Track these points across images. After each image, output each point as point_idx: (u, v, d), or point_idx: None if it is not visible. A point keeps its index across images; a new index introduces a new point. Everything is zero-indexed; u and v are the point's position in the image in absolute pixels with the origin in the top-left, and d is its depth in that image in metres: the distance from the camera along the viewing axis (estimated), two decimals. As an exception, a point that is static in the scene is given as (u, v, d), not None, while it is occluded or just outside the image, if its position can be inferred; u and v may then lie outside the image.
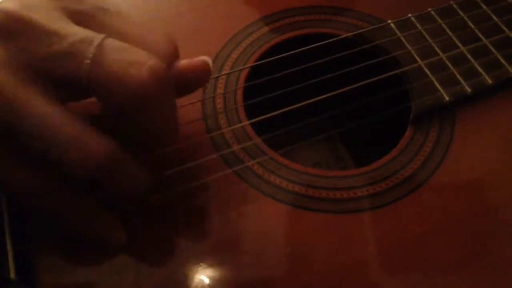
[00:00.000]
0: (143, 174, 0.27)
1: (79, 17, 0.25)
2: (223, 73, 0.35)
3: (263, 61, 0.36)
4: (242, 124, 0.33)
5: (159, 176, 0.29)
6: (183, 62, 0.28)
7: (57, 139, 0.23)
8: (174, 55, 0.27)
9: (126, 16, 0.26)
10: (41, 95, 0.23)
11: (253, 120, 0.33)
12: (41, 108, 0.23)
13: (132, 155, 0.26)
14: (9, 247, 0.26)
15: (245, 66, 0.35)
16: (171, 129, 0.27)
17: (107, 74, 0.24)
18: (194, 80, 0.29)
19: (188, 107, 0.33)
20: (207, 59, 0.29)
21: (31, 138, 0.23)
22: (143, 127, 0.26)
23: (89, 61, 0.23)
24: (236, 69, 0.35)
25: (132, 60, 0.24)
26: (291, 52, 0.35)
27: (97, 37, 0.24)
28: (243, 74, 0.35)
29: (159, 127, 0.26)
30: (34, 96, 0.23)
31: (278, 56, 0.35)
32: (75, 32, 0.24)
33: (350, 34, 0.38)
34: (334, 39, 0.37)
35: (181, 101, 0.33)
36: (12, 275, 0.26)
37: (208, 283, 0.27)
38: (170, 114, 0.27)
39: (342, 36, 0.38)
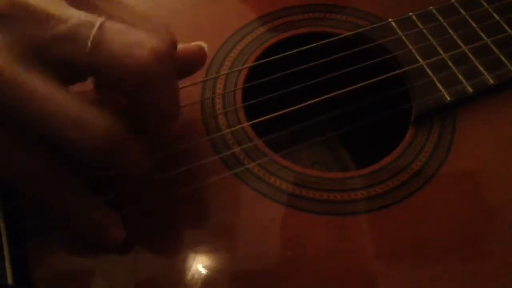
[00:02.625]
0: (143, 153, 0.26)
1: (78, 2, 0.25)
2: (222, 73, 0.35)
3: (262, 61, 0.35)
4: (241, 125, 0.33)
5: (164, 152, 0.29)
6: (179, 47, 0.28)
7: (58, 118, 0.23)
8: (174, 42, 0.27)
9: (125, 3, 0.26)
10: (41, 77, 0.23)
11: (253, 121, 0.33)
12: (41, 89, 0.23)
13: (133, 134, 0.26)
14: (6, 252, 0.26)
15: (245, 66, 0.35)
16: (173, 110, 0.27)
17: (108, 56, 0.24)
18: (190, 64, 0.29)
19: (188, 107, 0.32)
20: (203, 44, 0.29)
21: (32, 120, 0.23)
22: (145, 109, 0.26)
23: (90, 44, 0.23)
24: (235, 69, 0.35)
25: (133, 41, 0.24)
26: (291, 51, 0.35)
27: (97, 20, 0.24)
28: (243, 74, 0.35)
29: (161, 108, 0.26)
30: (34, 78, 0.23)
31: (277, 56, 0.35)
32: (75, 15, 0.24)
33: (351, 33, 0.37)
34: (334, 38, 0.37)
35: (180, 101, 0.32)
36: (10, 280, 0.25)
37: (205, 283, 0.27)
38: (172, 94, 0.27)
39: (343, 35, 0.37)
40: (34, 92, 0.23)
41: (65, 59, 0.24)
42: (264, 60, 0.35)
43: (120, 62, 0.24)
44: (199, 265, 0.27)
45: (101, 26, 0.24)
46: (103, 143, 0.24)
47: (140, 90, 0.25)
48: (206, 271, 0.27)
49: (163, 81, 0.25)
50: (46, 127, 0.23)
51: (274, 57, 0.35)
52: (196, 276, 0.27)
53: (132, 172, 0.27)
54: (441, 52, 0.36)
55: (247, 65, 0.35)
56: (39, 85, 0.23)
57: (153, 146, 0.28)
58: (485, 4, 0.38)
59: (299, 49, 0.35)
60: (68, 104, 0.23)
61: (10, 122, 0.24)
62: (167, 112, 0.27)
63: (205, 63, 0.31)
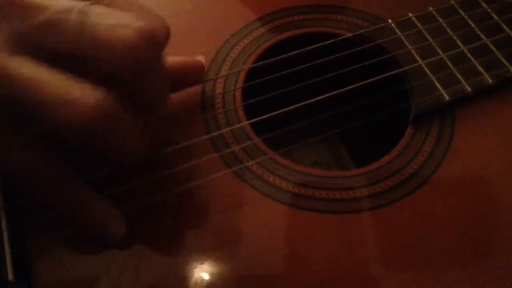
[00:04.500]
0: (138, 133, 0.26)
1: None
2: (221, 74, 0.35)
3: (262, 63, 0.35)
4: (241, 124, 0.33)
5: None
6: (177, 60, 0.28)
7: (45, 96, 0.23)
8: (167, 31, 0.26)
9: None
10: (25, 61, 0.23)
11: (252, 120, 0.33)
12: (26, 70, 0.23)
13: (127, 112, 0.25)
14: (6, 248, 0.26)
15: (244, 68, 0.35)
16: (161, 92, 0.27)
17: (93, 38, 0.23)
18: (189, 77, 0.29)
19: (188, 107, 0.32)
20: (201, 58, 0.29)
21: (20, 103, 0.23)
22: (134, 90, 0.25)
23: (73, 29, 0.23)
24: (235, 71, 0.35)
25: (118, 22, 0.23)
26: (291, 53, 0.35)
27: (78, 4, 0.24)
28: (242, 74, 0.35)
29: (149, 89, 0.26)
30: (23, 66, 0.23)
31: (277, 57, 0.35)
32: (56, 2, 0.24)
33: (351, 34, 0.38)
34: (334, 39, 0.37)
35: (180, 101, 0.33)
36: (10, 277, 0.26)
37: (206, 281, 0.27)
38: (160, 76, 0.26)
39: (343, 37, 0.37)
40: (17, 77, 0.23)
41: (53, 47, 0.23)
42: (264, 62, 0.35)
43: (106, 43, 0.23)
44: (200, 264, 0.27)
45: (82, 10, 0.23)
46: (94, 116, 0.23)
47: (127, 71, 0.24)
48: (207, 270, 0.27)
49: (150, 62, 0.25)
50: (35, 108, 0.23)
51: (274, 58, 0.35)
52: (197, 276, 0.27)
53: (128, 153, 0.26)
54: (440, 52, 0.36)
55: (246, 66, 0.35)
56: (21, 68, 0.23)
57: (146, 129, 0.27)
58: (484, 4, 0.38)
59: (299, 50, 0.35)
60: (55, 79, 0.23)
61: (4, 115, 0.24)
62: (155, 94, 0.26)
63: (206, 63, 0.31)
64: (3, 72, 0.23)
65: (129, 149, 0.26)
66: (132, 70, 0.24)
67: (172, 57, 0.28)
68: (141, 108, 0.27)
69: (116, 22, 0.23)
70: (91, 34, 0.23)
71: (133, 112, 0.26)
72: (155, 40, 0.24)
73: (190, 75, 0.29)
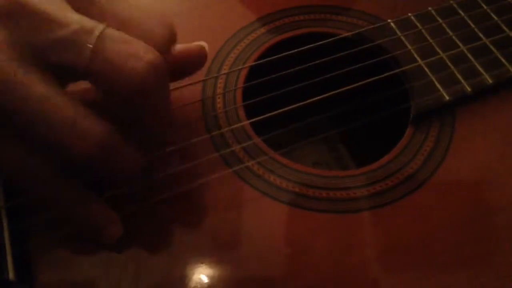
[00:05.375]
0: (135, 158, 0.27)
1: (78, 2, 0.25)
2: (222, 73, 0.35)
3: (262, 61, 0.36)
4: (241, 123, 0.33)
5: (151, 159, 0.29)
6: (180, 47, 0.28)
7: (55, 121, 0.23)
8: (171, 39, 0.27)
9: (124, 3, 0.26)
10: (39, 78, 0.24)
11: (253, 120, 0.33)
12: (40, 90, 0.23)
13: (125, 140, 0.26)
14: (7, 248, 0.26)
15: (245, 66, 0.35)
16: (164, 118, 0.28)
17: (106, 64, 0.24)
18: (191, 64, 0.30)
19: (188, 106, 0.32)
20: (203, 43, 0.30)
21: (29, 120, 0.23)
22: (139, 115, 0.26)
23: (89, 52, 0.24)
24: (236, 69, 0.35)
25: (131, 52, 0.24)
26: (291, 51, 0.35)
27: (98, 27, 0.24)
28: (243, 74, 0.35)
29: (153, 116, 0.27)
30: (32, 78, 0.23)
31: (277, 56, 0.35)
32: (76, 20, 0.24)
33: (350, 33, 0.38)
34: (334, 38, 0.37)
35: (181, 100, 0.33)
36: (12, 276, 0.26)
37: (207, 281, 0.27)
38: (164, 104, 0.27)
39: (342, 35, 0.37)
40: (31, 91, 0.23)
41: (64, 63, 0.24)
42: (264, 60, 0.35)
43: (118, 72, 0.24)
44: (200, 264, 0.27)
45: (101, 34, 0.24)
46: (97, 150, 0.24)
47: (134, 99, 0.25)
48: (207, 270, 0.27)
49: (156, 92, 0.26)
50: (42, 128, 0.23)
51: (274, 57, 0.35)
52: (198, 276, 0.27)
53: (123, 176, 0.27)
54: (440, 52, 0.36)
55: (247, 65, 0.35)
56: (36, 85, 0.23)
57: (147, 148, 0.28)
58: (483, 5, 0.39)
59: (299, 49, 0.35)
60: (64, 106, 0.24)
61: (8, 120, 0.24)
62: (158, 120, 0.27)
63: (206, 62, 0.31)
64: (12, 82, 0.23)
65: (125, 174, 0.27)
66: (137, 97, 0.25)
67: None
68: (142, 131, 0.28)
69: (130, 51, 0.24)
70: (105, 59, 0.24)
71: (134, 138, 0.27)
72: (161, 73, 0.25)
73: (193, 61, 0.30)
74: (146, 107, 0.26)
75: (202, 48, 0.30)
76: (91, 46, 0.24)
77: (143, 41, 0.25)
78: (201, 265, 0.27)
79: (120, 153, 0.26)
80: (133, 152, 0.27)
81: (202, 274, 0.27)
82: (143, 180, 0.29)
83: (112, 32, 0.24)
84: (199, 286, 0.27)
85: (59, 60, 0.24)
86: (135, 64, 0.24)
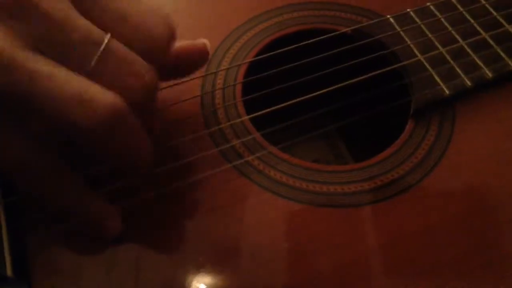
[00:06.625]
0: (146, 140, 0.26)
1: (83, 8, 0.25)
2: (222, 69, 0.35)
3: (262, 56, 0.35)
4: (241, 119, 0.33)
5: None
6: (182, 44, 0.28)
7: (62, 94, 0.23)
8: (171, 38, 0.27)
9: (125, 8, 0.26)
10: (42, 59, 0.23)
11: (252, 115, 0.33)
12: (44, 68, 0.23)
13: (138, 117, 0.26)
14: (5, 244, 0.26)
15: (244, 61, 0.35)
16: (143, 156, 0.27)
17: (111, 74, 0.24)
18: (194, 61, 0.30)
19: (187, 102, 0.32)
20: (205, 41, 0.30)
21: (35, 101, 0.23)
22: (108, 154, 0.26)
23: (95, 60, 0.24)
24: (235, 64, 0.35)
25: (131, 71, 0.25)
26: (290, 47, 0.35)
27: (104, 39, 0.24)
28: (242, 69, 0.35)
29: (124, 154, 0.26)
30: (35, 59, 0.23)
31: (276, 51, 0.35)
32: (84, 27, 0.24)
33: (349, 28, 0.38)
34: (333, 33, 0.37)
35: (180, 95, 0.32)
36: (9, 272, 0.25)
37: (208, 278, 0.27)
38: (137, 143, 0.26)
39: (341, 31, 0.37)
40: (35, 72, 0.23)
41: (68, 62, 0.24)
42: (264, 56, 0.35)
43: (123, 81, 0.24)
44: (200, 259, 0.27)
45: (105, 49, 0.24)
46: (108, 118, 0.23)
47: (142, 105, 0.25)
48: (208, 265, 0.27)
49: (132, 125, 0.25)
50: (50, 106, 0.23)
51: (273, 53, 0.35)
52: (198, 272, 0.27)
53: (135, 163, 0.26)
54: (439, 46, 0.36)
55: (247, 60, 0.35)
56: (40, 65, 0.23)
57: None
58: (482, 0, 0.39)
59: (298, 44, 0.35)
60: (72, 79, 0.23)
61: (10, 108, 0.24)
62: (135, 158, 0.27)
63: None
64: (15, 65, 0.23)
65: (138, 158, 0.26)
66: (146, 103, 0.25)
67: (177, 42, 0.28)
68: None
69: (130, 71, 0.25)
70: (111, 70, 0.24)
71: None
72: (154, 89, 0.26)
73: (195, 59, 0.30)
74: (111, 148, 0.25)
75: (204, 45, 0.30)
76: (98, 54, 0.24)
77: (144, 39, 0.25)
78: (201, 259, 0.27)
79: (132, 126, 0.25)
80: (145, 132, 0.26)
81: (202, 268, 0.27)
82: (150, 170, 0.28)
83: (115, 46, 0.24)
84: (200, 283, 0.26)
85: (65, 60, 0.24)
86: (132, 82, 0.25)
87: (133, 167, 0.27)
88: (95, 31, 0.24)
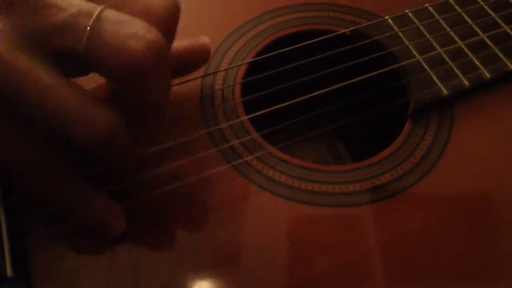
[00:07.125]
0: (131, 149, 0.26)
1: None
2: (221, 69, 0.35)
3: (261, 57, 0.36)
4: (240, 119, 0.33)
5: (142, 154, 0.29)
6: (182, 44, 0.28)
7: (59, 108, 0.23)
8: (175, 15, 0.26)
9: None
10: (41, 64, 0.23)
11: (252, 115, 0.33)
12: (44, 78, 0.23)
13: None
14: (5, 244, 0.26)
15: (244, 62, 0.35)
16: (163, 104, 0.27)
17: (105, 46, 0.24)
18: (195, 59, 0.30)
19: (186, 102, 0.32)
20: (206, 39, 0.30)
21: (33, 109, 0.23)
22: (137, 100, 0.26)
23: (87, 34, 0.23)
24: (235, 65, 0.35)
25: (130, 32, 0.24)
26: (289, 48, 0.35)
27: (95, 9, 0.24)
28: (242, 70, 0.35)
29: (152, 101, 0.26)
30: (35, 65, 0.23)
31: (276, 52, 0.35)
32: (74, 3, 0.24)
33: (348, 29, 0.38)
34: (331, 34, 0.37)
35: (179, 96, 0.33)
36: (9, 272, 0.25)
37: (208, 278, 0.27)
38: (164, 90, 0.27)
39: (339, 32, 0.38)
40: (34, 79, 0.23)
41: (64, 48, 0.24)
42: (263, 56, 0.35)
43: (117, 53, 0.24)
44: (199, 260, 0.27)
45: (99, 16, 0.24)
46: (102, 137, 0.24)
47: (133, 82, 0.25)
48: (207, 264, 0.27)
49: (157, 74, 0.25)
50: (45, 115, 0.23)
51: (272, 53, 0.35)
52: (198, 271, 0.27)
53: (117, 164, 0.27)
54: (437, 47, 0.36)
55: (246, 61, 0.35)
56: (39, 72, 0.23)
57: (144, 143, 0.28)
58: (480, 1, 0.39)
59: (297, 45, 0.35)
60: (70, 94, 0.24)
61: (10, 109, 0.24)
62: (157, 106, 0.27)
63: None
64: (13, 69, 0.23)
65: (123, 160, 0.27)
66: (136, 79, 0.24)
67: (178, 41, 0.28)
68: (139, 120, 0.27)
69: (129, 31, 0.24)
70: (104, 41, 0.24)
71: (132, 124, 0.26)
72: (162, 53, 0.25)
73: (197, 57, 0.30)
74: (145, 92, 0.25)
75: (206, 44, 0.30)
76: (88, 28, 0.23)
77: (144, 18, 0.25)
78: (201, 260, 0.27)
79: (122, 142, 0.25)
80: (130, 142, 0.26)
81: (201, 269, 0.27)
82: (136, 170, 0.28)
83: (110, 13, 0.24)
84: (199, 283, 0.27)
85: (59, 45, 0.24)
86: (134, 43, 0.24)
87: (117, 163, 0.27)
88: (87, 4, 0.24)
